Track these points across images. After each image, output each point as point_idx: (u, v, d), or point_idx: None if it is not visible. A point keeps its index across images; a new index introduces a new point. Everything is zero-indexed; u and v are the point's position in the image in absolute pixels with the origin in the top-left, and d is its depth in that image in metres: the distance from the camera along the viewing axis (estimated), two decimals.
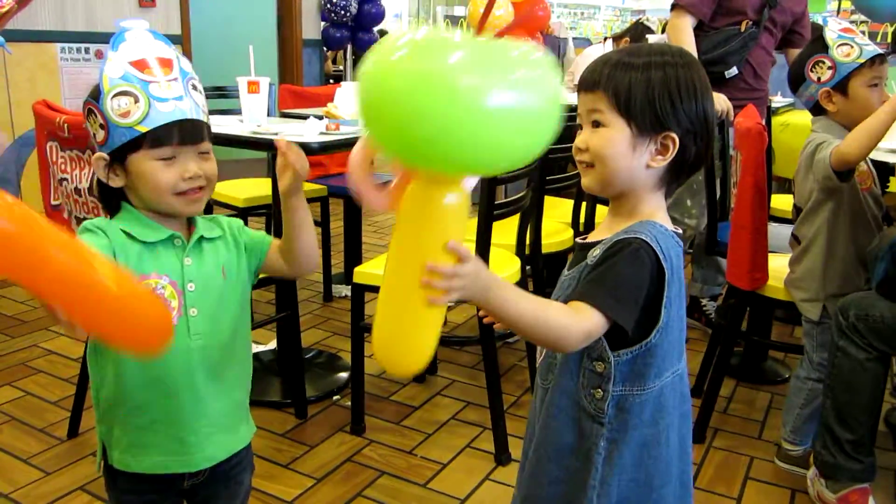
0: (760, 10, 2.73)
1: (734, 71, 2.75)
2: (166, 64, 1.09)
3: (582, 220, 2.60)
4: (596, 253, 1.00)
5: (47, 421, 2.17)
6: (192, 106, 1.10)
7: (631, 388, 1.00)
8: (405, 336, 0.92)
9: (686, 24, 2.71)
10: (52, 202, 1.98)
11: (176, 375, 1.11)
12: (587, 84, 1.01)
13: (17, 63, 3.49)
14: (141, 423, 1.13)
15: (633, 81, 0.97)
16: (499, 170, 0.86)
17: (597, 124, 1.00)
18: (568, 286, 1.04)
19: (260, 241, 1.22)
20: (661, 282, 0.96)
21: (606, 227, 1.05)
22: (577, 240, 1.09)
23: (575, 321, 0.93)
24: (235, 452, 1.22)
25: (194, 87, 1.12)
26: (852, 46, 1.85)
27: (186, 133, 1.09)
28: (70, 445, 2.05)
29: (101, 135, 1.09)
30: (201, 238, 1.15)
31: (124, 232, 1.09)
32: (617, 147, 0.98)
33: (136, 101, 1.05)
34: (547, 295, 1.05)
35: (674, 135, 0.98)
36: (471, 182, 0.87)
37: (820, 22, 2.77)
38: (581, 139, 1.02)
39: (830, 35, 1.88)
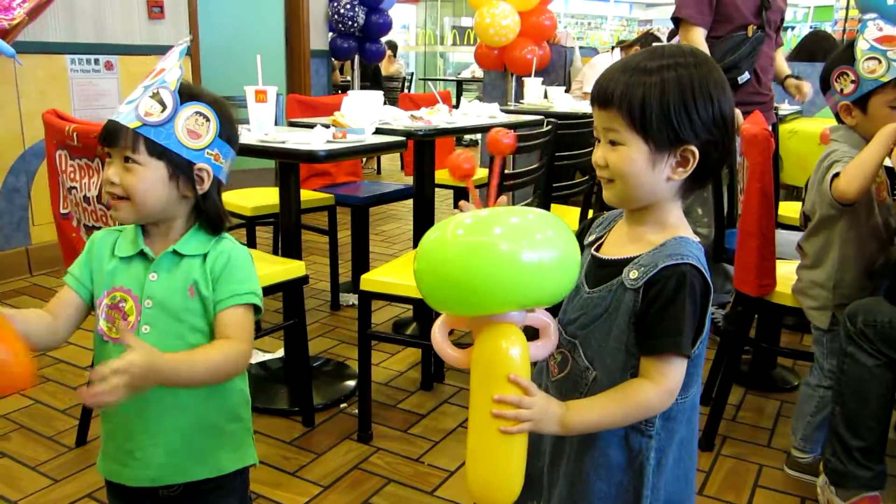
0: (758, 13, 2.73)
1: (746, 76, 2.76)
2: (158, 72, 1.11)
3: None
4: (634, 275, 0.97)
5: (56, 429, 2.18)
6: (130, 111, 1.07)
7: (678, 398, 1.00)
8: (492, 474, 0.95)
9: (698, 33, 2.71)
10: (62, 210, 1.99)
11: None
12: (601, 100, 0.99)
13: (28, 74, 3.52)
14: (106, 430, 1.18)
15: (647, 94, 0.94)
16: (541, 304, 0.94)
17: (613, 143, 0.99)
18: (597, 305, 1.02)
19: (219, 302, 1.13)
20: (706, 297, 0.97)
21: (630, 239, 1.03)
22: (595, 253, 1.06)
23: (655, 387, 0.96)
24: (211, 478, 1.18)
25: (153, 95, 1.08)
26: (880, 62, 1.71)
27: (106, 134, 1.09)
28: (78, 453, 2.05)
29: None
30: (174, 252, 1.12)
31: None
32: (636, 166, 0.97)
33: None
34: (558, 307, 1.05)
35: (693, 147, 0.96)
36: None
37: (828, 29, 2.75)
38: (599, 155, 1.01)
39: (862, 45, 1.74)
